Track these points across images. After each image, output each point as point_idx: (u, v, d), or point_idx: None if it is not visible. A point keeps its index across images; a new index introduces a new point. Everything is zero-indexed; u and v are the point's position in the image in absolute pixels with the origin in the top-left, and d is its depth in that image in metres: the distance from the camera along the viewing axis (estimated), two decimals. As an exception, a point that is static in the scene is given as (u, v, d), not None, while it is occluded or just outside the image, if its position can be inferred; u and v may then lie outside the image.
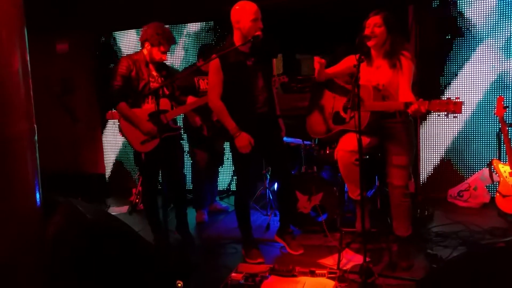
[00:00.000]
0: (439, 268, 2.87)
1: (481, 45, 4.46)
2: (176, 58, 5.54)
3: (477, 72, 4.51)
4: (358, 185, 2.97)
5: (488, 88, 4.48)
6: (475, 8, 4.44)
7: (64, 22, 5.66)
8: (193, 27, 5.50)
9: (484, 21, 4.43)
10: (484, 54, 4.46)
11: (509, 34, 4.36)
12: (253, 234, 3.48)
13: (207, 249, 3.70)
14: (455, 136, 4.64)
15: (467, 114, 4.56)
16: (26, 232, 2.20)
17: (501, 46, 4.40)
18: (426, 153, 4.75)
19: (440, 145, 4.71)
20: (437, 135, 4.70)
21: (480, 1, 4.42)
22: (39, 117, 2.39)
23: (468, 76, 4.54)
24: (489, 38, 4.42)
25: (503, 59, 4.40)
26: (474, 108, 4.55)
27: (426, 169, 4.77)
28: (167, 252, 3.39)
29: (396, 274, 2.92)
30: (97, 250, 2.28)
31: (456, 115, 2.47)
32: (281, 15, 4.79)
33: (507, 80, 4.41)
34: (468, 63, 4.53)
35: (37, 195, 2.26)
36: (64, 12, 5.57)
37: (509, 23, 4.35)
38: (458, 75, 4.56)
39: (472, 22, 4.46)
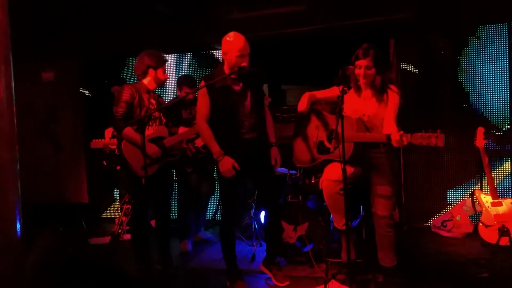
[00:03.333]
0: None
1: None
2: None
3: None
4: (343, 215, 2.97)
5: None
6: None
7: (49, 49, 5.68)
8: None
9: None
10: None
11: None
12: (238, 265, 3.43)
13: (190, 281, 3.63)
14: (437, 166, 4.71)
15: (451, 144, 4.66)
16: (4, 264, 2.14)
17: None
18: (410, 183, 4.80)
19: (424, 175, 4.77)
20: (421, 165, 4.77)
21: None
22: (22, 145, 2.36)
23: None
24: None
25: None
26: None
27: (410, 199, 4.81)
28: (150, 285, 3.31)
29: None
30: (77, 282, 2.22)
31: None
32: (266, 46, 4.89)
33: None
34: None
35: (18, 225, 2.21)
36: (49, 40, 5.60)
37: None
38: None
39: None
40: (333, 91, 3.18)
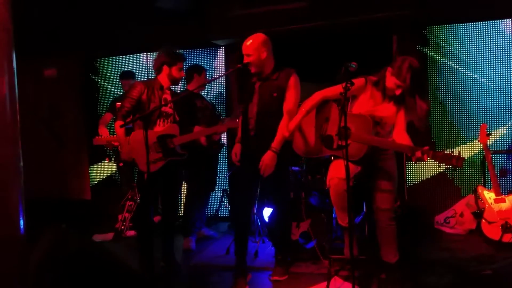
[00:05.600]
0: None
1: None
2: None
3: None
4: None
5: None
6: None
7: (52, 47, 5.69)
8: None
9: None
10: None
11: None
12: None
13: (193, 278, 3.64)
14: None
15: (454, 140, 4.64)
16: (8, 260, 2.15)
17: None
18: (413, 179, 4.80)
19: (427, 171, 4.76)
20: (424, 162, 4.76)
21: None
22: (25, 142, 2.37)
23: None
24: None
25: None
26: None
27: (413, 195, 4.81)
28: (153, 281, 3.32)
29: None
30: (80, 279, 2.23)
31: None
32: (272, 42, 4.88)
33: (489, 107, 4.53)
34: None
35: (21, 222, 2.21)
36: (52, 37, 5.61)
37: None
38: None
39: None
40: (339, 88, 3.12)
